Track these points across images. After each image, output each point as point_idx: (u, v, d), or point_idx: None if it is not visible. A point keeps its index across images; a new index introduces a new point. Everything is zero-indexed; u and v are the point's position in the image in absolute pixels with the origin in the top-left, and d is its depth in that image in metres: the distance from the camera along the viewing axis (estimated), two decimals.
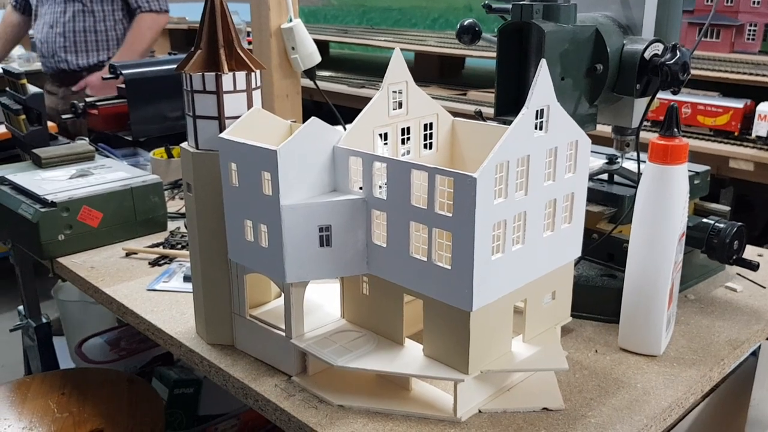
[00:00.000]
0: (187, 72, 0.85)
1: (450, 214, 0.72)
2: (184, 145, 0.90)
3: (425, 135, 0.94)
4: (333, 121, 1.54)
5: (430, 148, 0.94)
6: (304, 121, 0.80)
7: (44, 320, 1.70)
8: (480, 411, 0.79)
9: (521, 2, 0.95)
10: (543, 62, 0.75)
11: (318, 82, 2.43)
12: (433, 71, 3.51)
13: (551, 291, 0.86)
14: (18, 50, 3.21)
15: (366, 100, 0.79)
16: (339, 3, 4.98)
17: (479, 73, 3.52)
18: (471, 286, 0.72)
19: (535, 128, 0.76)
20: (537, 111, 0.76)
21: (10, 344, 2.18)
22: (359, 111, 0.86)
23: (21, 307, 1.71)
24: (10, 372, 2.23)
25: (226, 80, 0.85)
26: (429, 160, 0.94)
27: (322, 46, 3.77)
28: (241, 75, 0.86)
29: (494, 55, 0.98)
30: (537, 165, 0.77)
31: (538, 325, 0.86)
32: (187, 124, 0.88)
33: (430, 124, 0.94)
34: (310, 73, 1.47)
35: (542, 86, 0.75)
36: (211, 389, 1.53)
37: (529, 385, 0.84)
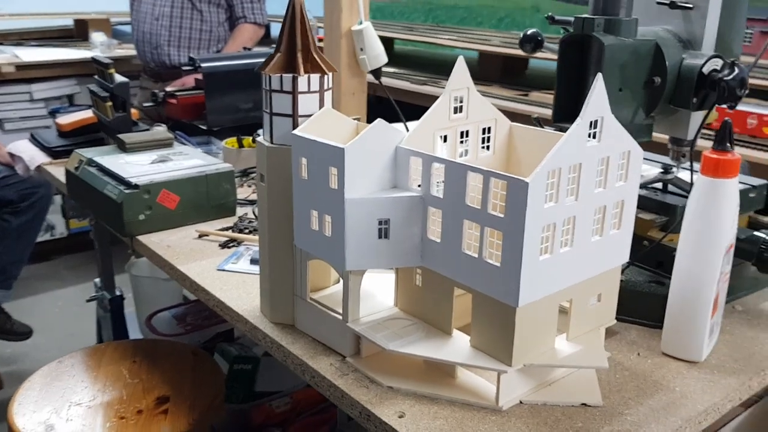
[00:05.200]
0: (266, 73, 0.92)
1: (502, 215, 0.77)
2: (259, 139, 0.98)
3: (483, 138, 0.99)
4: (394, 116, 1.61)
5: (488, 150, 0.99)
6: (368, 118, 0.86)
7: (117, 293, 1.82)
8: (521, 402, 0.84)
9: (584, 15, 0.99)
10: (599, 76, 0.79)
11: (382, 79, 2.49)
12: (496, 71, 3.53)
13: (597, 293, 0.90)
14: (101, 37, 3.38)
15: (428, 97, 0.85)
16: (406, 0, 5.03)
17: (543, 75, 3.52)
18: (518, 284, 0.77)
19: (589, 137, 0.81)
20: (591, 121, 0.80)
21: (81, 315, 2.34)
22: (421, 107, 0.91)
23: (97, 280, 1.83)
24: (81, 340, 2.38)
25: (302, 82, 0.92)
26: (486, 162, 0.99)
27: (388, 42, 3.83)
28: (315, 77, 0.92)
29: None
30: (588, 172, 0.81)
31: (582, 325, 0.90)
32: (264, 120, 0.96)
33: (489, 128, 0.99)
34: (376, 73, 1.53)
35: (597, 98, 0.79)
36: (268, 367, 1.62)
37: (570, 381, 0.89)
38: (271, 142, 0.96)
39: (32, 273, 3.15)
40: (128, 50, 3.16)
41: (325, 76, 0.93)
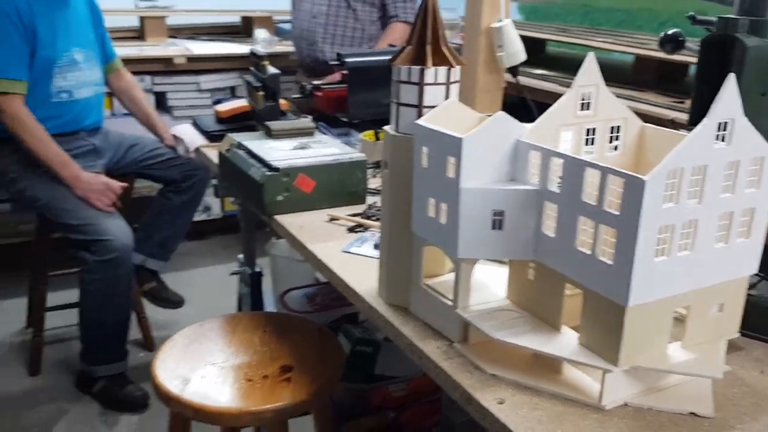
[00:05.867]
0: (396, 65, 0.97)
1: (617, 213, 0.77)
2: (386, 127, 1.03)
3: (612, 137, 0.98)
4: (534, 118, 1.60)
5: (616, 150, 0.98)
6: None
7: (257, 270, 1.96)
8: (626, 404, 0.83)
9: (727, 15, 0.95)
10: (731, 76, 0.76)
11: (529, 80, 2.46)
12: (652, 77, 3.37)
13: (719, 303, 0.87)
14: (263, 33, 3.61)
15: None
16: (562, 1, 4.93)
17: None
18: (629, 283, 0.76)
19: (717, 140, 0.78)
20: (720, 123, 0.77)
21: (228, 290, 2.52)
22: None
23: (241, 256, 1.98)
24: (224, 311, 2.57)
25: (429, 74, 0.95)
26: (612, 162, 0.97)
27: (539, 43, 3.76)
28: (442, 70, 0.96)
29: None
30: (714, 176, 0.79)
31: (699, 333, 0.86)
32: (391, 110, 1.01)
33: (618, 127, 0.97)
34: (513, 71, 1.54)
35: (727, 99, 0.77)
36: (388, 352, 1.68)
37: (681, 389, 0.86)
38: (397, 131, 1.00)
39: (189, 249, 3.43)
40: (287, 47, 3.35)
41: (452, 69, 0.96)
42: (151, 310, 2.72)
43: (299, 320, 1.57)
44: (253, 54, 1.89)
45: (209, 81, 3.39)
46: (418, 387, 1.64)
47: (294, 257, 2.05)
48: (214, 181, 2.80)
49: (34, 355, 2.54)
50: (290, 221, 1.39)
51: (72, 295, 2.40)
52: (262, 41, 3.56)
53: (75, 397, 2.43)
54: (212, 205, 3.57)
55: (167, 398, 1.28)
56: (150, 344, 2.68)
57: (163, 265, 2.69)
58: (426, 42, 0.96)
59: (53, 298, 2.53)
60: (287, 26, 3.65)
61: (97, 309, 2.31)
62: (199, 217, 3.36)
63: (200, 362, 1.37)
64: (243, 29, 3.89)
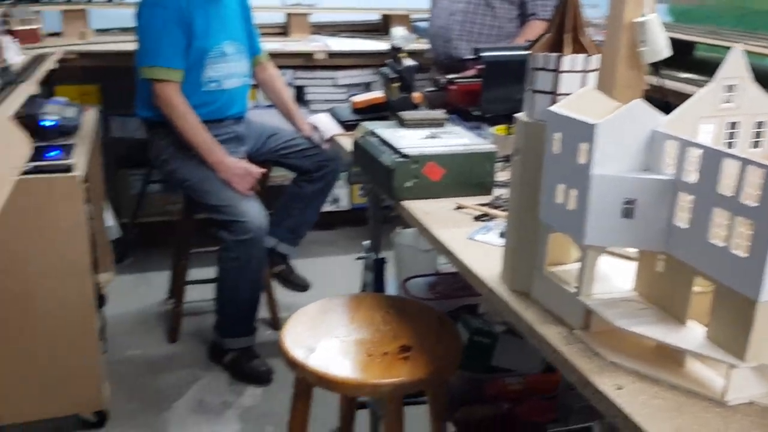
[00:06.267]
0: (534, 52, 0.99)
1: (755, 204, 0.75)
2: (519, 115, 1.05)
3: (757, 133, 0.94)
4: None
5: (759, 147, 0.94)
6: None
7: (381, 257, 2.02)
8: (752, 402, 0.80)
9: None
10: None
11: (674, 83, 2.38)
12: None
13: None
14: (400, 31, 3.69)
15: None
16: (716, 3, 4.67)
17: None
18: (763, 277, 0.74)
19: None
20: None
21: (351, 278, 2.61)
22: None
23: (367, 242, 2.06)
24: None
25: (565, 61, 0.96)
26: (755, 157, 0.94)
27: (687, 46, 3.60)
28: (579, 57, 0.97)
29: None
30: None
31: None
32: (525, 98, 1.03)
33: (763, 123, 0.94)
34: (656, 69, 1.50)
35: None
36: (506, 346, 1.68)
37: None
38: (531, 118, 1.02)
39: (317, 238, 3.58)
40: (423, 45, 3.41)
41: (590, 58, 0.97)
42: (279, 293, 2.87)
43: (420, 305, 1.61)
44: (392, 48, 1.96)
45: (346, 77, 3.52)
46: (536, 383, 1.64)
47: (418, 247, 2.10)
48: (345, 173, 2.90)
49: (174, 324, 2.76)
50: (417, 207, 1.44)
51: (210, 271, 2.58)
52: (399, 38, 3.63)
53: (207, 365, 2.61)
54: (341, 197, 3.70)
55: (293, 364, 1.36)
56: (276, 323, 2.83)
57: (293, 250, 2.83)
58: (565, 30, 0.97)
59: (194, 273, 2.74)
60: (424, 24, 3.71)
61: (232, 285, 2.47)
62: (328, 207, 3.49)
63: (325, 334, 1.44)
64: (382, 27, 4.00)
